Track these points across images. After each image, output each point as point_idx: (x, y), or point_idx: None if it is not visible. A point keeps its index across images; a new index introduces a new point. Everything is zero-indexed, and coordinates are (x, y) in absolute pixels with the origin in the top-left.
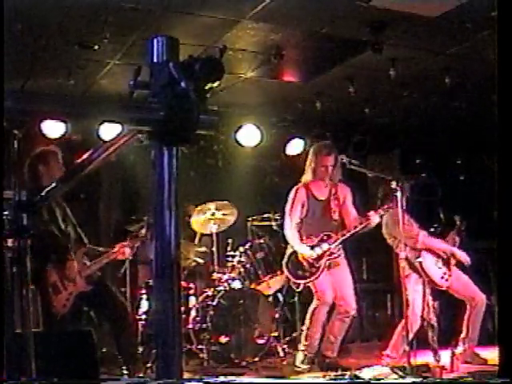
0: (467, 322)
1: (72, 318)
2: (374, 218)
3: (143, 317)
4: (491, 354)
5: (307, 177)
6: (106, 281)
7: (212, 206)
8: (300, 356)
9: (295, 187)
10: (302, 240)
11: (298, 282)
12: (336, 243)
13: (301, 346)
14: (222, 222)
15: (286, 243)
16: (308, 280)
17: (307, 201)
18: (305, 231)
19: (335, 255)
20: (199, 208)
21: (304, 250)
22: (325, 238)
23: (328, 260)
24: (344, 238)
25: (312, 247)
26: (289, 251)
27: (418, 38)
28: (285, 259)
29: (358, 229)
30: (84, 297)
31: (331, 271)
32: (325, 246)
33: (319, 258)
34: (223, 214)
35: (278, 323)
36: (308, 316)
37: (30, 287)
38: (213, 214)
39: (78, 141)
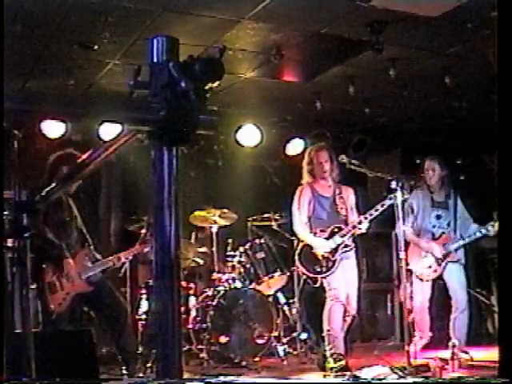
0: (453, 324)
1: (69, 318)
2: (363, 225)
3: (143, 317)
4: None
5: (307, 178)
6: (108, 281)
7: (216, 213)
8: (331, 362)
9: (299, 187)
10: (314, 234)
11: (315, 276)
12: (348, 235)
13: (327, 351)
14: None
15: (287, 243)
16: (326, 274)
17: (313, 198)
18: (315, 227)
19: (349, 247)
20: (202, 214)
21: (318, 242)
22: (336, 230)
23: (343, 252)
24: (353, 231)
25: (326, 239)
26: (300, 246)
27: (418, 38)
28: (296, 254)
29: (348, 234)
30: (83, 297)
31: (344, 268)
32: (338, 239)
33: (334, 251)
34: (224, 219)
35: (278, 323)
36: (325, 319)
37: (30, 286)
38: (215, 222)
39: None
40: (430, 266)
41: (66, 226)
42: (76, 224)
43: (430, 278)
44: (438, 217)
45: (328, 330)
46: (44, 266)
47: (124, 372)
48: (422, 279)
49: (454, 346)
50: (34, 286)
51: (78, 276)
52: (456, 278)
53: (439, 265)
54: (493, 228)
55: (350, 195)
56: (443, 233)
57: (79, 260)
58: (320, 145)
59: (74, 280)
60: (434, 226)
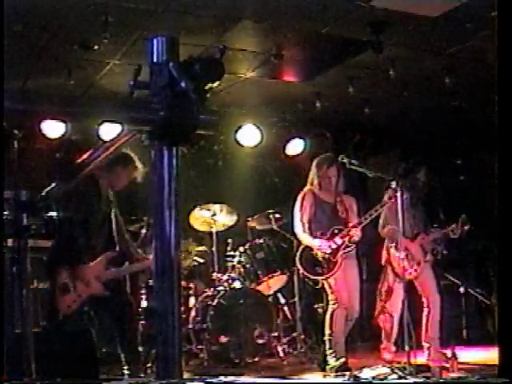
0: (426, 321)
1: (76, 320)
2: (356, 234)
3: (143, 317)
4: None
5: (312, 187)
6: (124, 287)
7: (215, 207)
8: (331, 361)
9: (302, 192)
10: (314, 237)
11: (316, 278)
12: (348, 236)
13: (329, 357)
14: (222, 225)
15: (287, 244)
16: (326, 276)
17: (315, 202)
18: (315, 229)
19: (350, 249)
20: (202, 206)
21: (319, 244)
22: (336, 231)
23: (344, 253)
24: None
25: (326, 241)
26: (301, 248)
27: (418, 38)
28: (297, 256)
29: (343, 242)
30: (97, 300)
31: (345, 269)
32: (338, 241)
33: (335, 252)
34: (224, 216)
35: (278, 323)
36: (327, 322)
37: (40, 284)
38: (214, 215)
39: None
40: (411, 266)
41: (98, 224)
42: (109, 223)
43: (411, 277)
44: (414, 216)
45: (329, 335)
46: (59, 265)
47: (126, 372)
48: (402, 279)
49: (429, 347)
50: (47, 286)
51: (96, 279)
52: (431, 278)
53: (419, 265)
54: (457, 230)
55: (351, 204)
56: (418, 233)
57: (102, 263)
58: (330, 159)
59: (89, 283)
60: (410, 226)
